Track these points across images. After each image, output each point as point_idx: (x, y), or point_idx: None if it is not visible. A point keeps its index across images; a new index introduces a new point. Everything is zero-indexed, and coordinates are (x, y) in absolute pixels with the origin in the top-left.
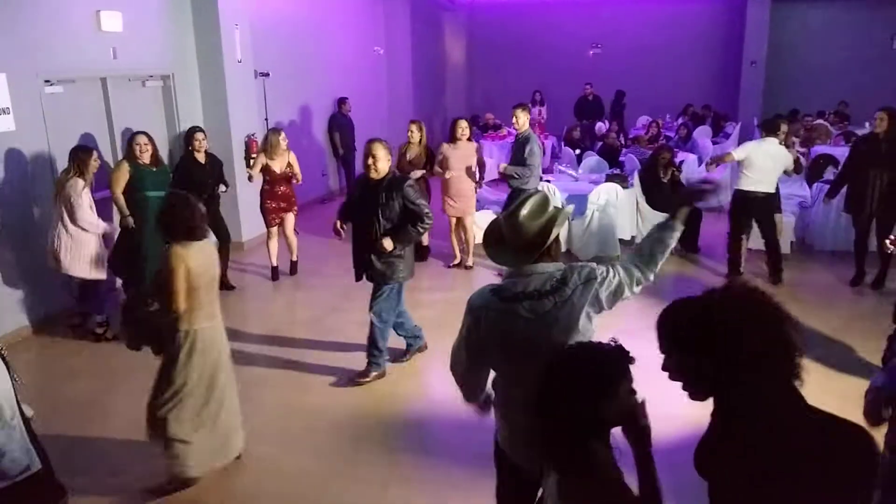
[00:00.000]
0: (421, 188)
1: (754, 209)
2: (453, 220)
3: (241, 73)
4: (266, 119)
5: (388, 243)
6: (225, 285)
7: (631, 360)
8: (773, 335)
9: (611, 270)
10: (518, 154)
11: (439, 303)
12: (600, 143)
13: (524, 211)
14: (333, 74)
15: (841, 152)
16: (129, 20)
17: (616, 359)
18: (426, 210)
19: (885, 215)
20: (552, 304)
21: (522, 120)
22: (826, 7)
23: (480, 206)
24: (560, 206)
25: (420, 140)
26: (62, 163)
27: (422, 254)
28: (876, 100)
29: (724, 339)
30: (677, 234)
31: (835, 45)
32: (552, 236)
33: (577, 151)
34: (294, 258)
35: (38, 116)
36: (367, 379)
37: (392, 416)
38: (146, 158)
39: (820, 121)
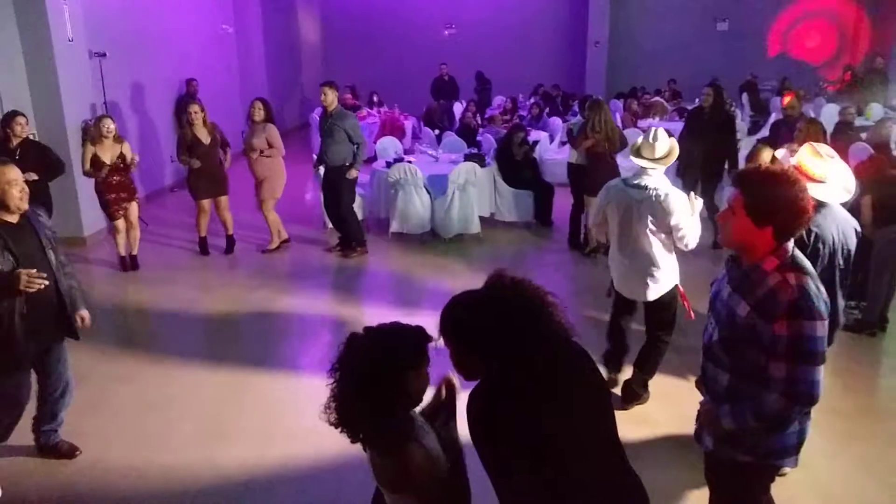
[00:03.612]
0: None
1: (576, 179)
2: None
3: (72, 53)
4: (105, 103)
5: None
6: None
7: (429, 339)
8: (535, 325)
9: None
10: (337, 132)
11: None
12: (458, 123)
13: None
14: (179, 54)
15: (675, 127)
16: None
17: (419, 338)
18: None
19: (708, 179)
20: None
21: (331, 98)
22: None
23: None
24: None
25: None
26: None
27: (229, 246)
28: (701, 77)
29: (485, 336)
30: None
31: (667, 27)
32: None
33: (436, 132)
34: (134, 252)
35: None
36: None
37: None
38: None
39: (657, 98)
